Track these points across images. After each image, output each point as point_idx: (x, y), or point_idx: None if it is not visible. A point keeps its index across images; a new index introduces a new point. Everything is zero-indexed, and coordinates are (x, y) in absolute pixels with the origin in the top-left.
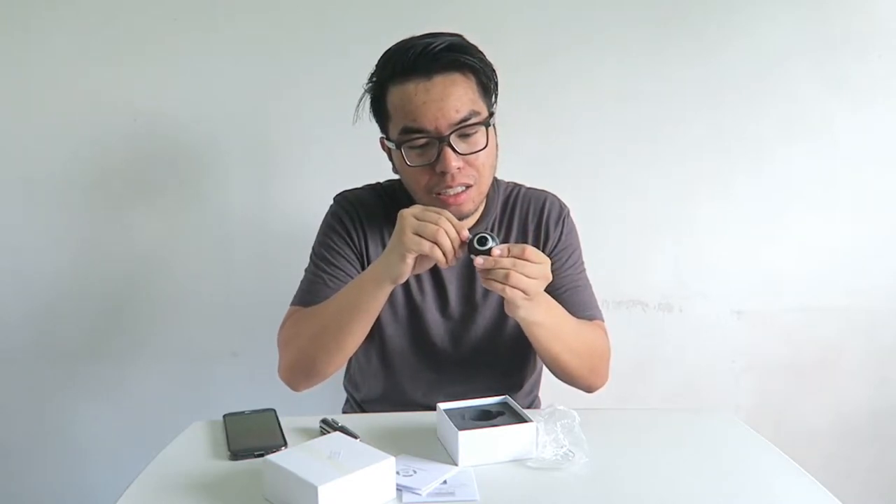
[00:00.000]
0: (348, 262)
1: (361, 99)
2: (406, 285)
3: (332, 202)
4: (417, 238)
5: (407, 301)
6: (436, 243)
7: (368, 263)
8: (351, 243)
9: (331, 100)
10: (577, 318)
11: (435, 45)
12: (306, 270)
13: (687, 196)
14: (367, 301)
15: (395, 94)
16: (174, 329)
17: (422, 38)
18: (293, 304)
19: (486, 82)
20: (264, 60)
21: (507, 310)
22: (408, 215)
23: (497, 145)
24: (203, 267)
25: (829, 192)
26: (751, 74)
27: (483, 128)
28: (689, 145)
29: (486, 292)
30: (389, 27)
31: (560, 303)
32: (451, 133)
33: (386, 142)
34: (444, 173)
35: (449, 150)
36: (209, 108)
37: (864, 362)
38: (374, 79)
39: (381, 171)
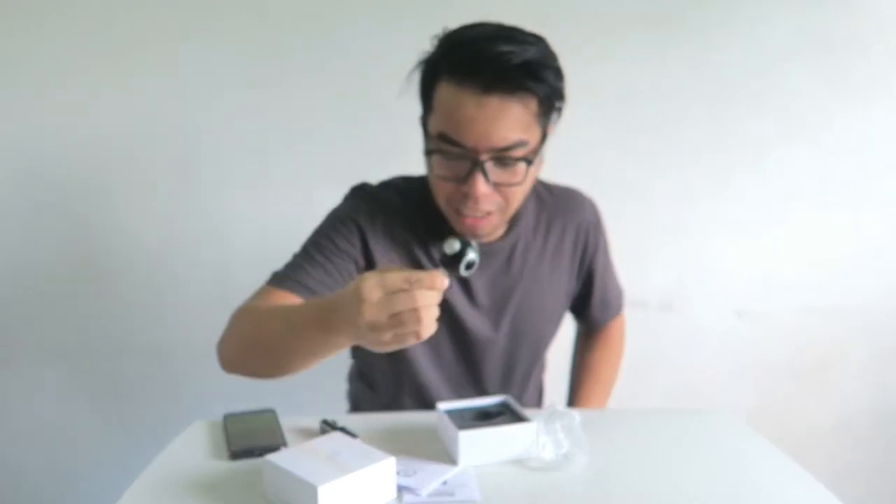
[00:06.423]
0: (342, 262)
1: (411, 72)
2: None
3: (350, 192)
4: (379, 324)
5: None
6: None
7: (370, 268)
8: (358, 244)
9: (331, 99)
10: (606, 323)
11: (507, 58)
12: (295, 254)
13: (687, 196)
14: (317, 348)
15: (445, 92)
16: (174, 329)
17: (497, 40)
18: (269, 281)
19: (548, 107)
20: (264, 60)
21: None
22: (371, 287)
23: (542, 161)
24: (203, 266)
25: (829, 191)
26: (751, 74)
27: (525, 163)
28: (689, 145)
29: (514, 288)
30: (389, 27)
31: (595, 308)
32: (488, 159)
33: (422, 128)
34: (467, 195)
35: (480, 176)
36: (209, 108)
37: (866, 363)
38: (431, 59)
39: (381, 171)
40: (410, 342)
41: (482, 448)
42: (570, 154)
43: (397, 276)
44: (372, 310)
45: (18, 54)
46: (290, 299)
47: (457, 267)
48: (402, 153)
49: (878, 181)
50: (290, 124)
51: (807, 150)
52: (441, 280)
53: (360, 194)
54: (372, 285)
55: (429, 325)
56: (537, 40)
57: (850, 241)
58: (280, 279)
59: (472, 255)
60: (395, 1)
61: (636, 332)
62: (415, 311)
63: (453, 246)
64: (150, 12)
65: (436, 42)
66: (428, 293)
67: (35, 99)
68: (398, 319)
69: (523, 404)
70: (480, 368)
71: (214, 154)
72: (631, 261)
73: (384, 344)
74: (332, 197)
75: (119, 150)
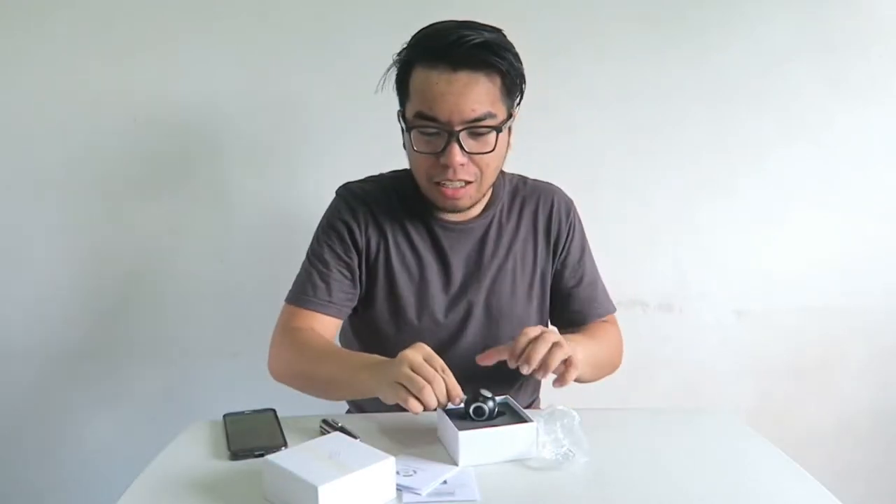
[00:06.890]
0: (344, 262)
1: (388, 70)
2: (406, 264)
3: (334, 195)
4: (399, 385)
5: (409, 276)
6: (418, 398)
7: (372, 260)
8: (352, 241)
9: (330, 98)
10: (594, 319)
11: (469, 38)
12: (302, 265)
13: (687, 196)
14: (354, 389)
15: (418, 77)
16: (174, 329)
17: (459, 27)
18: (287, 300)
19: (511, 86)
20: (264, 59)
21: (558, 385)
22: (408, 359)
23: (509, 144)
24: (203, 266)
25: (829, 191)
26: (751, 74)
27: (495, 132)
28: (689, 145)
29: (488, 265)
30: (389, 27)
31: (578, 301)
32: (462, 129)
33: (401, 121)
34: (446, 166)
35: (456, 146)
36: (208, 108)
37: (866, 363)
38: (403, 55)
39: (380, 170)
40: (405, 400)
41: (482, 448)
42: (570, 154)
43: (440, 360)
44: (407, 359)
45: (18, 54)
46: (320, 318)
47: (471, 404)
48: (401, 153)
49: (878, 181)
50: (290, 124)
51: (807, 150)
52: (460, 395)
53: (343, 193)
54: (421, 349)
55: (428, 400)
56: (494, 29)
57: (850, 241)
58: (302, 299)
59: (484, 406)
60: (395, 1)
61: (636, 332)
62: (428, 382)
63: (485, 393)
64: (150, 12)
65: (405, 45)
66: (445, 386)
67: (35, 99)
68: (411, 378)
69: (511, 395)
70: (460, 353)
71: (214, 154)
72: (631, 261)
73: (390, 387)
74: (331, 197)
75: (118, 150)
